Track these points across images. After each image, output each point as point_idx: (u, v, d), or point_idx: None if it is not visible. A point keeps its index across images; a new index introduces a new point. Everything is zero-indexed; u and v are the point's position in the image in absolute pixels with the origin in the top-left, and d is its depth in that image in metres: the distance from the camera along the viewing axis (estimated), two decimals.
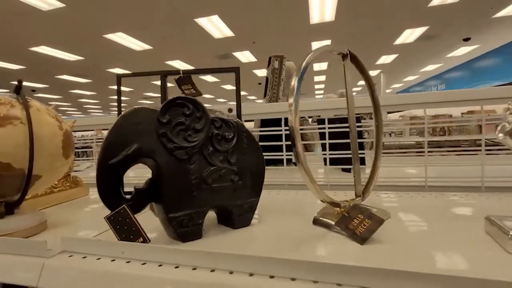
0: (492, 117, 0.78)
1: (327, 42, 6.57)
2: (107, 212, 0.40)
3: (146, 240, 0.41)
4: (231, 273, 0.34)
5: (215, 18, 4.97)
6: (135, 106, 0.42)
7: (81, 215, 0.66)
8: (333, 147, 0.86)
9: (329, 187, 0.81)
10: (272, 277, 0.33)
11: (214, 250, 0.35)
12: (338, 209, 0.48)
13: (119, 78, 0.66)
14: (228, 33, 5.64)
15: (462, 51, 8.05)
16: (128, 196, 0.42)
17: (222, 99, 16.42)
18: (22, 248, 0.41)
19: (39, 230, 0.52)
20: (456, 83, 10.31)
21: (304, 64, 0.44)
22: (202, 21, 5.06)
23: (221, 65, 8.06)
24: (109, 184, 0.41)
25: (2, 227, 0.47)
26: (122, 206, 0.41)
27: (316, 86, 12.55)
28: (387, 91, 12.82)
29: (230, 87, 11.71)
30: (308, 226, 0.50)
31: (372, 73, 10.64)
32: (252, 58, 7.67)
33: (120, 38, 5.61)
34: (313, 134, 1.75)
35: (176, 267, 0.36)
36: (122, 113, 0.42)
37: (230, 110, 0.71)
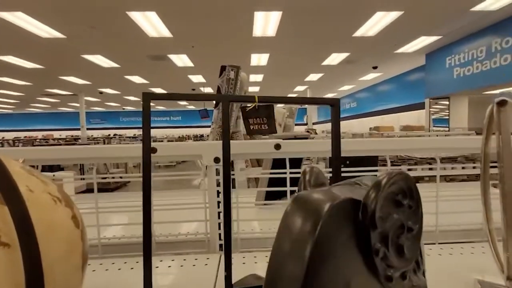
0: None
1: (266, 55, 6.76)
2: None
3: None
4: None
5: (152, 15, 4.44)
6: (332, 200, 0.19)
7: None
8: None
9: None
10: None
11: None
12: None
13: (147, 99, 0.38)
14: (166, 33, 5.13)
15: (371, 76, 9.58)
16: None
17: None
18: None
19: None
20: (365, 103, 12.23)
21: None
22: (136, 16, 4.43)
23: (152, 65, 7.30)
24: None
25: None
26: None
27: None
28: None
29: (160, 90, 10.74)
30: None
31: (300, 88, 11.57)
32: (189, 63, 7.23)
33: (19, 19, 4.37)
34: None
35: None
36: (308, 214, 0.19)
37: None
